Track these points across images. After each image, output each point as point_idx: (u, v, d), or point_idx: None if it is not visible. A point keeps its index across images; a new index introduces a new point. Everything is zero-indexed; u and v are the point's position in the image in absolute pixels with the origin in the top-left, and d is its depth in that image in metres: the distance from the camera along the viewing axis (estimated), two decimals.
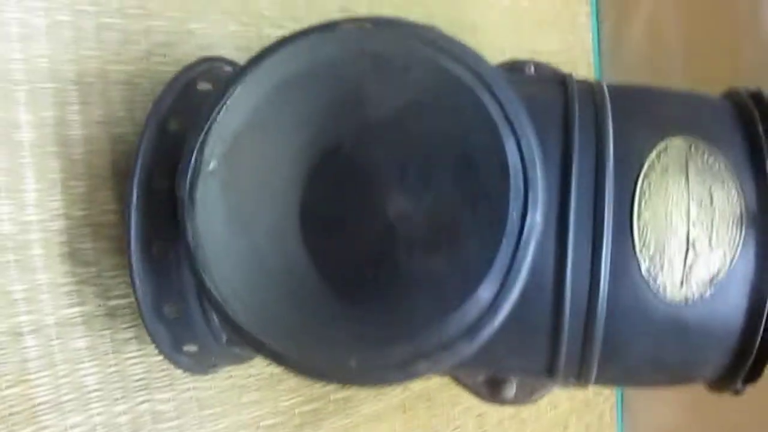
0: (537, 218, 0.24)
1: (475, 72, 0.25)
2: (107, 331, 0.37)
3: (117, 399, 0.37)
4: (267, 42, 0.29)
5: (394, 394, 0.51)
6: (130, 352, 0.38)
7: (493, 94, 0.25)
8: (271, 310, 0.27)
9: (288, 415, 0.45)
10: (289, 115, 0.30)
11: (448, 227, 0.25)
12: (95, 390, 0.36)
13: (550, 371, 0.31)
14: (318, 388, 0.46)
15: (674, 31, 0.62)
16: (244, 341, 0.27)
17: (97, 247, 0.37)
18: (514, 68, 0.35)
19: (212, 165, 0.28)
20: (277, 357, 0.26)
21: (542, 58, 0.64)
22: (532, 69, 0.35)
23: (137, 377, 0.38)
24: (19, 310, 0.34)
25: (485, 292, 0.24)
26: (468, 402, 0.58)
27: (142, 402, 0.38)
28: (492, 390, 0.33)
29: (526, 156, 0.24)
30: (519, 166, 0.24)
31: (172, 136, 0.32)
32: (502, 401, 0.33)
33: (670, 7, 0.63)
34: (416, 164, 0.26)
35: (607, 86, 0.32)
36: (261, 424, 0.43)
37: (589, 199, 0.28)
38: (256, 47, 0.30)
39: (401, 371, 0.25)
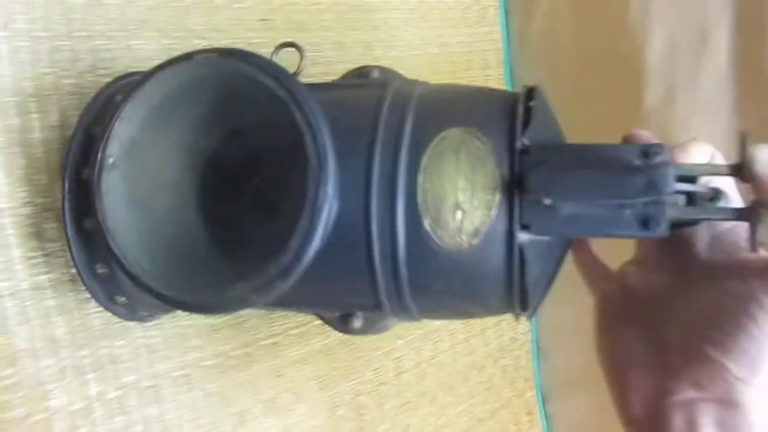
0: (328, 191, 0.34)
1: (287, 88, 0.35)
2: (71, 293, 0.47)
3: (81, 345, 0.47)
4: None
5: (317, 340, 0.61)
6: (91, 308, 0.47)
7: (298, 104, 0.35)
8: (160, 266, 0.38)
9: (224, 357, 0.55)
10: (170, 124, 0.40)
11: (275, 201, 0.35)
12: (63, 339, 0.46)
13: (378, 306, 0.41)
14: (250, 335, 0.57)
15: (566, 26, 0.71)
16: (140, 288, 0.38)
17: (59, 227, 0.46)
18: (362, 73, 0.45)
19: (111, 160, 0.38)
20: (162, 297, 0.37)
21: (453, 50, 0.73)
22: (377, 73, 0.45)
23: (97, 328, 0.48)
24: None
25: (294, 243, 0.35)
26: (388, 346, 0.68)
27: (102, 348, 0.48)
28: (343, 322, 0.43)
29: (320, 147, 0.34)
30: (315, 156, 0.34)
31: (93, 139, 0.43)
32: (352, 331, 0.43)
33: (563, 8, 0.71)
34: (258, 159, 0.37)
35: (422, 88, 0.42)
36: (201, 364, 0.54)
37: (388, 173, 0.38)
38: None
39: (241, 301, 0.35)
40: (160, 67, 0.38)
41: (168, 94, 0.39)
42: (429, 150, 0.38)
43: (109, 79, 0.49)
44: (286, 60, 0.41)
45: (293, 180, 0.35)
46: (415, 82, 0.43)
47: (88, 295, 0.46)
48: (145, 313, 0.48)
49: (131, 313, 0.47)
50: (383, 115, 0.39)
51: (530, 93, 0.40)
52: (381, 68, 0.46)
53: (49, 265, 0.46)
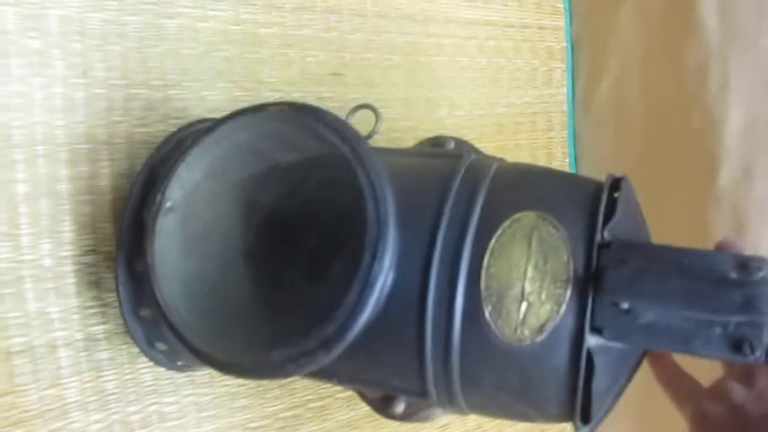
0: (385, 263, 0.32)
1: (354, 149, 0.33)
2: (124, 346, 0.46)
3: (131, 401, 0.46)
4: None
5: (363, 405, 0.58)
6: (142, 363, 0.47)
7: (364, 166, 0.33)
8: (202, 320, 0.36)
9: (272, 419, 0.53)
10: (233, 173, 0.39)
11: (323, 266, 0.33)
12: (113, 393, 0.45)
13: (424, 394, 0.37)
14: (299, 397, 0.54)
15: (636, 91, 0.68)
16: (176, 338, 0.36)
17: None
18: (436, 143, 0.43)
19: (169, 204, 0.37)
20: (195, 351, 0.35)
21: (518, 111, 0.71)
22: (452, 144, 0.43)
23: (147, 383, 0.47)
24: (55, 327, 0.43)
25: (341, 314, 0.32)
26: None
27: (151, 404, 0.47)
28: (384, 405, 0.40)
29: (381, 215, 0.32)
30: (375, 223, 0.32)
31: (158, 181, 0.42)
32: (392, 416, 0.40)
33: (634, 70, 0.69)
34: (317, 219, 0.35)
35: (498, 165, 0.39)
36: (249, 425, 0.52)
37: (451, 252, 0.35)
38: None
39: (277, 369, 0.33)
40: (232, 116, 0.37)
41: (236, 143, 0.38)
42: (499, 231, 0.35)
43: None
44: (360, 120, 0.40)
45: (350, 246, 0.33)
46: (491, 158, 0.40)
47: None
48: (183, 363, 0.47)
49: (170, 361, 0.45)
50: (454, 189, 0.37)
51: (616, 183, 0.37)
52: (457, 140, 0.44)
53: (105, 316, 0.46)
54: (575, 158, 0.75)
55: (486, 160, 0.40)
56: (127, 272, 0.42)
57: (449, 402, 0.38)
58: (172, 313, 0.36)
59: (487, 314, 0.34)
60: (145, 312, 0.42)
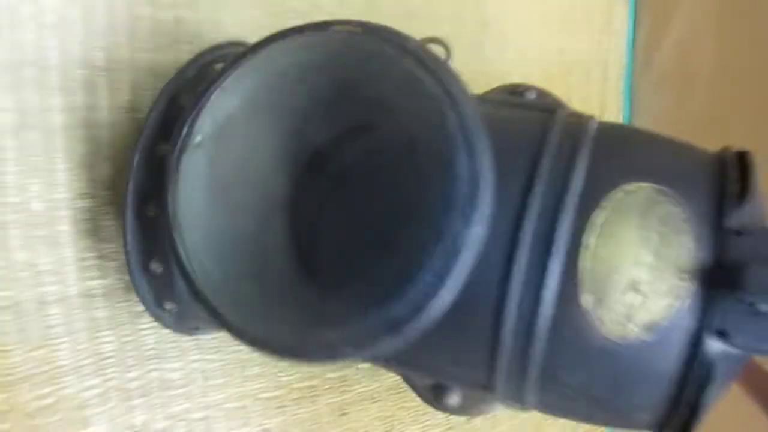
0: (479, 230, 0.25)
1: (443, 85, 0.26)
2: (125, 304, 0.40)
3: (130, 366, 0.40)
4: None
5: (388, 376, 0.52)
6: (144, 323, 0.40)
7: (456, 109, 0.26)
8: (231, 282, 0.30)
9: (287, 389, 0.47)
10: (278, 106, 0.32)
11: (393, 228, 0.26)
12: (110, 357, 0.39)
13: (488, 387, 0.32)
14: (317, 367, 0.48)
15: (705, 50, 0.61)
16: (197, 301, 0.29)
17: (119, 225, 0.39)
18: (514, 91, 0.36)
19: (198, 138, 0.30)
20: (223, 322, 0.29)
21: (571, 58, 0.63)
22: (534, 95, 0.36)
23: (149, 347, 0.41)
24: (45, 280, 0.37)
25: (416, 293, 0.25)
26: None
27: (153, 370, 0.41)
28: (436, 395, 0.34)
29: (477, 170, 0.26)
30: (467, 179, 0.26)
31: (180, 110, 0.35)
32: (444, 408, 0.34)
33: (705, 25, 0.62)
34: (378, 169, 0.28)
35: (599, 124, 0.32)
36: (261, 396, 0.46)
37: (545, 224, 0.29)
38: None
39: (330, 351, 0.26)
40: (283, 35, 0.30)
41: (284, 70, 0.30)
42: (606, 204, 0.29)
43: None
44: None
45: (426, 207, 0.26)
46: (586, 116, 0.33)
47: (143, 308, 0.38)
48: (193, 326, 0.40)
49: (179, 323, 0.39)
50: (550, 148, 0.30)
51: (743, 158, 0.30)
52: (539, 90, 0.37)
53: (102, 270, 0.39)
54: (630, 116, 0.68)
55: (582, 117, 0.33)
56: (136, 218, 0.35)
57: (515, 398, 0.32)
58: (198, 271, 0.29)
59: (584, 302, 0.28)
60: (156, 265, 0.35)
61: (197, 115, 0.30)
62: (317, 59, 0.30)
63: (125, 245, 0.35)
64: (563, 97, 0.65)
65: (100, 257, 0.39)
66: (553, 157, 0.30)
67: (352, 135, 0.31)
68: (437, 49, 0.34)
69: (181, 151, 0.30)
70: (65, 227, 0.37)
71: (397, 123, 0.28)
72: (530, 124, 0.31)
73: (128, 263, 0.35)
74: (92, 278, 0.38)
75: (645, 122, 0.66)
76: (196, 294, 0.30)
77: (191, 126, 0.30)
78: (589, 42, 0.64)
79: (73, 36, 0.37)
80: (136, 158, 0.34)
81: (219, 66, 0.37)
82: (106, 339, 0.39)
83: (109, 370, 0.39)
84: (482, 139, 0.25)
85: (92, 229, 0.38)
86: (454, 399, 0.34)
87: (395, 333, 0.26)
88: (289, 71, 0.31)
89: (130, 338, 0.40)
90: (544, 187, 0.29)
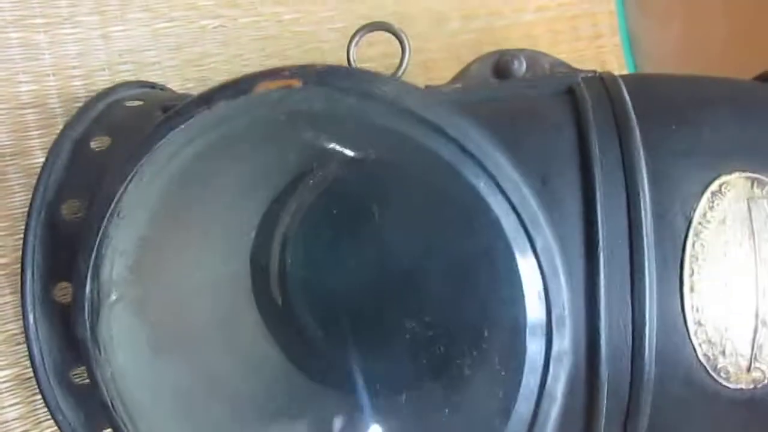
0: (565, 346, 0.18)
1: (459, 144, 0.17)
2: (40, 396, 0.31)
3: None
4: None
5: None
6: None
7: (491, 176, 0.17)
8: None
9: None
10: (211, 193, 0.22)
11: (449, 370, 0.18)
12: None
13: None
14: None
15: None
16: None
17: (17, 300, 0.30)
18: (499, 67, 0.27)
19: (114, 295, 0.20)
20: None
21: (553, 16, 0.53)
22: (524, 65, 0.27)
23: None
24: None
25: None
26: None
27: None
28: None
29: (543, 261, 0.17)
30: (536, 275, 0.17)
31: (69, 225, 0.24)
32: None
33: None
34: (390, 286, 0.19)
35: (627, 89, 0.24)
36: None
37: (623, 271, 0.21)
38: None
39: None
40: (184, 114, 0.19)
41: (198, 151, 0.20)
42: (695, 219, 0.21)
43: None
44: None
45: (462, 332, 0.18)
46: (607, 78, 0.25)
47: None
48: None
49: None
50: (595, 158, 0.21)
51: None
52: (526, 53, 0.27)
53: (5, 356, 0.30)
54: (635, 69, 0.58)
55: (600, 81, 0.25)
56: (64, 390, 0.25)
57: None
58: None
59: (699, 357, 0.21)
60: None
61: (98, 261, 0.20)
62: (246, 129, 0.20)
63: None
64: None
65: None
66: (605, 170, 0.21)
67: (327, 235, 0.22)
68: (388, 40, 0.25)
69: (94, 318, 0.20)
70: None
71: (403, 218, 0.19)
72: (556, 122, 0.23)
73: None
74: None
75: (655, 71, 0.56)
76: None
77: (96, 278, 0.20)
78: None
79: None
80: (30, 317, 0.24)
81: (105, 140, 0.26)
82: None
83: None
84: (544, 215, 0.17)
85: None
86: None
87: None
88: (207, 151, 0.21)
89: None
90: (607, 218, 0.21)
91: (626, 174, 0.21)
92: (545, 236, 0.17)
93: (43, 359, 0.24)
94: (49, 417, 0.30)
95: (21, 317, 0.29)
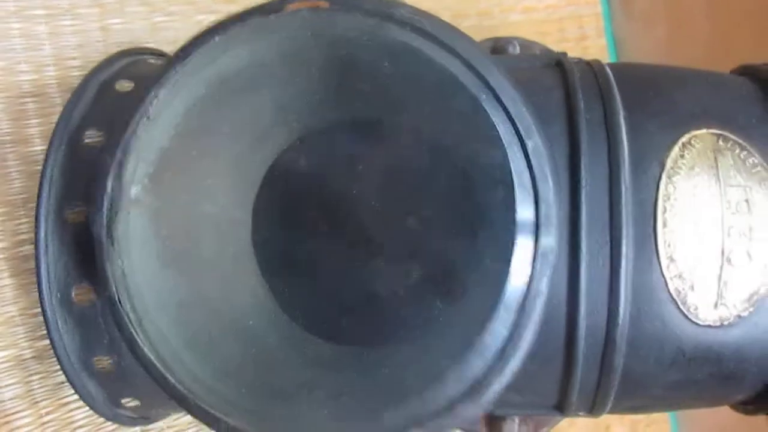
0: (551, 243, 0.19)
1: (465, 62, 0.20)
2: (37, 376, 0.31)
3: None
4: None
5: None
6: (69, 396, 0.32)
7: (492, 91, 0.19)
8: (223, 376, 0.22)
9: None
10: (229, 125, 0.24)
11: (441, 265, 0.20)
12: None
13: (559, 407, 0.26)
14: None
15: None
16: (191, 412, 0.21)
17: (15, 283, 0.31)
18: (495, 49, 0.30)
19: (135, 191, 0.22)
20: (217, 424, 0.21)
21: (539, 17, 0.56)
22: (517, 47, 0.30)
23: (79, 424, 0.32)
24: None
25: (491, 339, 0.19)
26: None
27: None
28: (492, 427, 0.28)
29: (535, 166, 0.19)
30: (527, 179, 0.19)
31: (88, 152, 0.26)
32: None
33: None
34: (396, 187, 0.21)
35: (610, 68, 0.27)
36: None
37: (603, 210, 0.23)
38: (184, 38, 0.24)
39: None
40: (219, 28, 0.21)
41: (229, 72, 0.22)
42: (668, 165, 0.23)
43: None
44: None
45: (457, 228, 0.20)
46: (592, 61, 0.28)
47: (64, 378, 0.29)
48: (162, 411, 0.32)
49: (143, 416, 0.31)
50: (580, 112, 0.24)
51: None
52: (521, 41, 0.31)
53: (3, 338, 0.30)
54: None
55: (587, 63, 0.28)
56: (61, 308, 0.26)
57: (589, 411, 0.27)
58: (176, 372, 0.21)
59: (671, 291, 0.23)
60: (101, 361, 0.27)
61: (123, 160, 0.22)
62: (272, 55, 0.22)
63: (54, 348, 0.26)
64: None
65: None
66: (587, 120, 0.24)
67: (331, 148, 0.24)
68: None
69: (113, 215, 0.22)
70: None
71: (404, 125, 0.21)
72: (548, 85, 0.25)
73: (62, 367, 0.26)
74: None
75: None
76: (181, 398, 0.22)
77: (118, 177, 0.22)
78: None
79: None
80: (42, 232, 0.25)
81: (127, 85, 0.28)
82: (22, 421, 0.30)
83: None
84: (535, 126, 0.19)
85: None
86: (512, 427, 0.28)
87: (476, 398, 0.19)
88: (231, 78, 0.23)
89: (51, 416, 0.31)
90: (590, 164, 0.23)
91: (607, 128, 0.24)
92: (537, 142, 0.19)
93: (48, 274, 0.25)
94: (46, 397, 0.31)
95: (19, 301, 0.31)
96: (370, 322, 0.22)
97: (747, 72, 0.28)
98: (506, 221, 0.19)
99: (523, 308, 0.19)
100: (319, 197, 0.22)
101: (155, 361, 0.21)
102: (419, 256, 0.20)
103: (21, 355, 0.31)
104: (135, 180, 0.22)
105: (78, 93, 0.27)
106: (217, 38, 0.21)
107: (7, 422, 0.31)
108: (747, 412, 0.27)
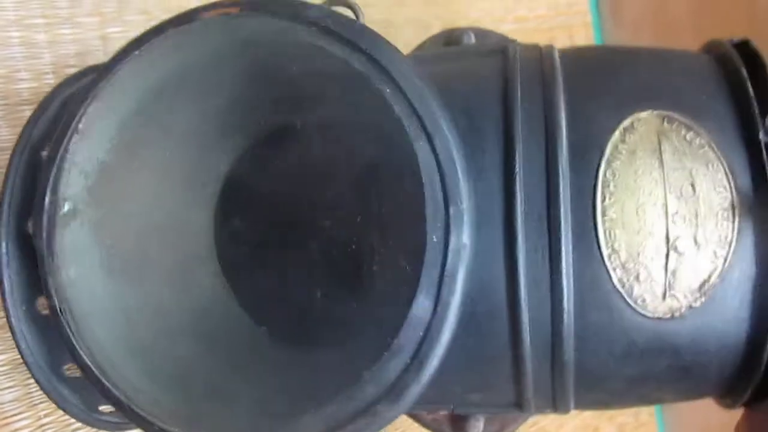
0: (464, 238, 0.19)
1: (371, 58, 0.19)
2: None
3: None
4: None
5: None
6: None
7: (396, 84, 0.19)
8: (160, 379, 0.22)
9: None
10: (170, 137, 0.24)
11: (354, 262, 0.19)
12: None
13: (518, 405, 0.25)
14: None
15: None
16: (126, 416, 0.22)
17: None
18: (450, 40, 0.29)
19: (67, 206, 0.22)
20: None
21: (531, 27, 0.55)
22: (472, 38, 0.29)
23: (76, 426, 0.33)
24: None
25: (406, 340, 0.19)
26: None
27: None
28: (455, 427, 0.28)
29: (441, 157, 0.19)
30: (435, 171, 0.19)
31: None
32: None
33: None
34: (315, 185, 0.21)
35: (560, 53, 0.26)
36: None
37: (540, 199, 0.22)
38: None
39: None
40: (139, 42, 0.22)
41: (155, 85, 0.23)
42: (608, 149, 0.22)
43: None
44: None
45: (368, 225, 0.20)
46: (544, 46, 0.27)
47: None
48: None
49: (122, 421, 0.31)
50: (516, 99, 0.23)
51: (748, 50, 0.24)
52: (476, 30, 0.30)
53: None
54: None
55: (539, 48, 0.27)
56: (27, 319, 0.27)
57: (552, 407, 0.26)
58: (114, 380, 0.22)
59: (615, 281, 0.22)
60: (73, 369, 0.28)
61: (56, 176, 0.22)
62: (196, 65, 0.22)
63: (23, 358, 0.27)
64: None
65: None
66: (525, 106, 0.23)
67: (273, 144, 0.24)
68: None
69: (50, 229, 0.22)
70: None
71: (318, 124, 0.21)
72: (485, 74, 0.25)
73: (34, 377, 0.27)
74: None
75: None
76: (119, 405, 0.22)
77: (53, 192, 0.22)
78: (548, 7, 0.56)
79: None
80: (3, 247, 0.26)
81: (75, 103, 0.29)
82: (20, 423, 0.31)
83: None
84: (442, 117, 0.18)
85: None
86: (476, 426, 0.28)
87: (394, 399, 0.19)
88: (164, 86, 0.23)
89: (50, 418, 0.32)
90: (525, 149, 0.22)
91: (546, 112, 0.23)
92: (444, 136, 0.19)
93: (12, 289, 0.26)
94: (44, 400, 0.32)
95: None
96: (299, 324, 0.22)
97: (711, 48, 0.26)
98: (415, 217, 0.19)
99: (435, 309, 0.18)
100: (248, 200, 0.22)
101: (91, 366, 0.22)
102: (331, 254, 0.20)
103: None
104: (71, 194, 0.23)
105: (42, 108, 0.28)
106: (137, 52, 0.21)
107: (7, 424, 0.32)
108: (726, 406, 0.26)
